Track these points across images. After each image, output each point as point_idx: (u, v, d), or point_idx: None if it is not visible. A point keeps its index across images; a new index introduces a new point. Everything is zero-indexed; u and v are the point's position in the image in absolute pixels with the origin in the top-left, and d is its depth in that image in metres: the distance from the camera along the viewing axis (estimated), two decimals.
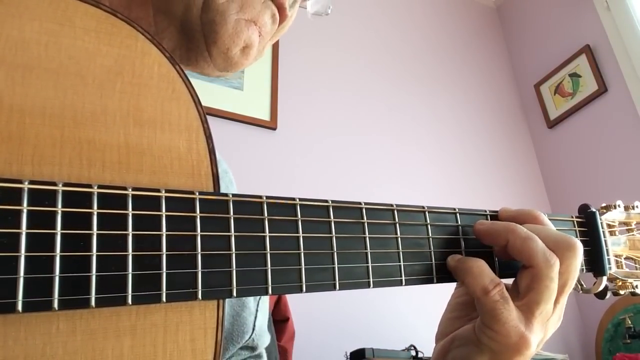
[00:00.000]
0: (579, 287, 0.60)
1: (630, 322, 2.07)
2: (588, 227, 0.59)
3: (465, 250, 0.50)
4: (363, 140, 2.38)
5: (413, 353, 1.77)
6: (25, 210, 0.30)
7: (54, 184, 0.31)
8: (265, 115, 2.15)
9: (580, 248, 0.48)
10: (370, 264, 0.43)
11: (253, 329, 0.59)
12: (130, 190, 0.33)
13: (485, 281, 0.45)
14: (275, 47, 2.31)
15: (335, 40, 2.55)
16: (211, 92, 2.07)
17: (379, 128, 2.46)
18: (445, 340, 0.53)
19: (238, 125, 2.08)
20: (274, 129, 2.16)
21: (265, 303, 0.63)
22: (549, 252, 0.46)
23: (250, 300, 0.59)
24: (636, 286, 0.60)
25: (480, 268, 0.46)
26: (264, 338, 0.62)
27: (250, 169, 2.02)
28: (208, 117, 0.38)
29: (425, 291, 2.11)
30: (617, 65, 2.53)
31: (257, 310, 0.60)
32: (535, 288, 0.46)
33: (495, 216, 0.54)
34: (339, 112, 2.38)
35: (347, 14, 2.65)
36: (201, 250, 0.35)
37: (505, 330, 0.45)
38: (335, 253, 0.41)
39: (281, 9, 0.53)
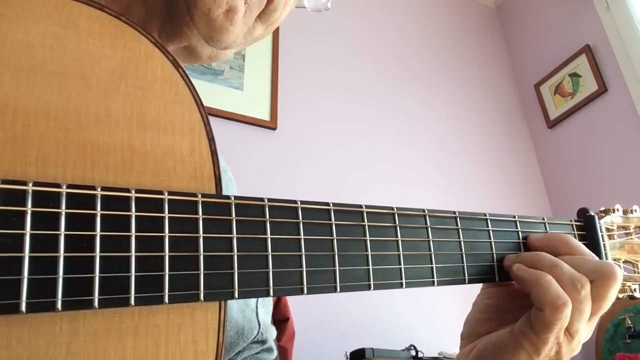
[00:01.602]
0: None
1: (630, 322, 2.07)
2: (587, 231, 0.60)
3: (465, 254, 0.50)
4: (363, 140, 2.38)
5: (413, 353, 1.77)
6: (29, 212, 0.30)
7: (58, 185, 0.31)
8: (265, 115, 2.16)
9: (617, 276, 0.50)
10: (370, 267, 0.44)
11: (259, 324, 0.60)
12: (133, 192, 0.33)
13: (555, 296, 0.46)
14: (275, 47, 2.31)
15: (336, 40, 2.55)
16: (211, 92, 2.07)
17: (379, 128, 2.46)
18: (479, 348, 0.53)
19: (238, 125, 2.08)
20: (274, 129, 2.16)
21: (263, 300, 0.63)
22: (577, 277, 0.48)
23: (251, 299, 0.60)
24: (634, 289, 0.60)
25: (550, 281, 0.47)
26: (270, 331, 0.63)
27: (250, 169, 2.02)
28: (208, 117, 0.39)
29: (425, 291, 2.11)
30: (617, 65, 2.53)
31: (256, 307, 0.61)
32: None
33: (496, 221, 0.54)
34: (339, 111, 2.38)
35: (347, 14, 2.65)
36: (203, 252, 0.35)
37: (549, 339, 0.48)
38: (336, 255, 0.42)
39: None
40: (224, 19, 0.50)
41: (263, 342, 0.62)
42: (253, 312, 0.60)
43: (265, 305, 0.63)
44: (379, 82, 2.59)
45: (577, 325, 0.49)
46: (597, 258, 0.51)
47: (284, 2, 0.56)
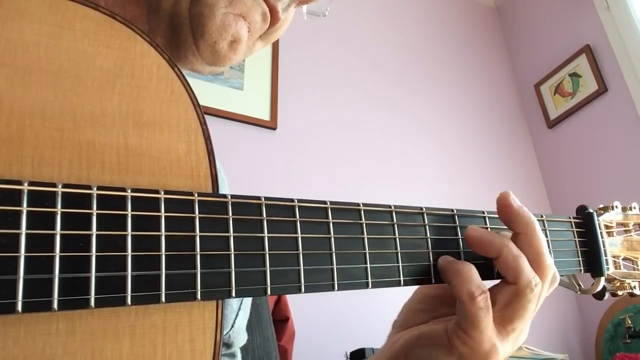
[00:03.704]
0: (577, 287, 0.60)
1: (630, 322, 2.07)
2: (586, 228, 0.60)
3: (464, 251, 0.50)
4: (363, 140, 2.38)
5: None
6: (25, 211, 0.30)
7: (54, 185, 0.31)
8: (265, 115, 2.16)
9: (558, 277, 0.51)
10: (368, 265, 0.44)
11: (232, 326, 0.59)
12: (129, 191, 0.33)
13: (473, 286, 0.45)
14: (275, 47, 2.31)
15: (336, 40, 2.55)
16: (211, 92, 2.07)
17: (379, 128, 2.46)
18: (411, 335, 0.52)
19: (238, 125, 2.08)
20: (274, 129, 2.16)
21: (247, 303, 0.62)
22: (534, 274, 0.47)
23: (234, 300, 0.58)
24: (634, 287, 0.60)
25: (470, 272, 0.46)
26: (240, 337, 0.61)
27: (250, 169, 2.02)
28: (208, 117, 0.39)
29: None
30: (617, 65, 2.53)
31: (239, 309, 0.60)
32: (514, 307, 0.47)
33: (493, 218, 0.53)
34: (339, 111, 2.38)
35: (347, 14, 2.65)
36: (200, 251, 0.35)
37: (480, 337, 0.45)
38: (334, 254, 0.42)
39: (273, 11, 0.53)
40: (229, 50, 0.52)
41: (228, 345, 0.61)
42: (233, 313, 0.59)
43: (246, 310, 0.61)
44: (379, 82, 2.59)
45: (517, 323, 0.47)
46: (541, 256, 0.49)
47: (285, 19, 0.56)
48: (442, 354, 0.48)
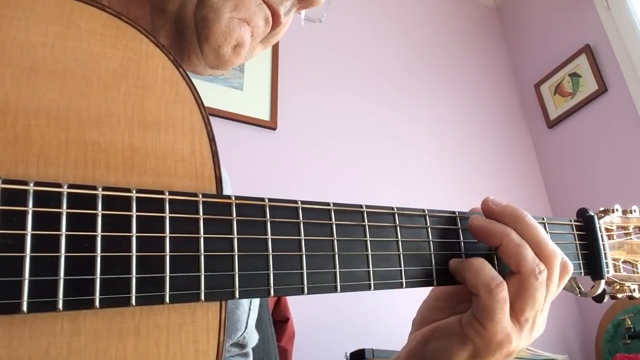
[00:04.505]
0: (577, 290, 0.60)
1: (630, 323, 2.08)
2: (586, 231, 0.60)
3: (465, 253, 0.50)
4: (363, 141, 2.38)
5: None
6: (30, 212, 0.30)
7: (59, 185, 0.31)
8: (265, 115, 2.15)
9: (570, 265, 0.51)
10: (371, 267, 0.44)
11: (246, 326, 0.59)
12: (134, 192, 0.33)
13: (488, 278, 0.46)
14: (275, 47, 2.31)
15: (335, 41, 2.55)
16: (211, 92, 2.07)
17: (379, 128, 2.46)
18: (426, 330, 0.53)
19: (238, 125, 2.08)
20: (274, 129, 2.16)
21: (256, 303, 0.63)
22: (538, 261, 0.48)
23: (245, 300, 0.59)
24: (633, 290, 0.60)
25: (482, 265, 0.47)
26: (253, 337, 0.62)
27: (250, 169, 2.02)
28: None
29: (426, 292, 2.11)
30: (617, 65, 2.53)
31: (249, 309, 0.60)
32: (522, 296, 0.47)
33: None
34: (339, 112, 2.38)
35: (347, 14, 2.65)
36: (204, 252, 0.35)
37: (495, 328, 0.46)
38: (337, 255, 0.42)
39: (275, 15, 0.54)
40: (232, 54, 0.53)
41: (242, 346, 0.61)
42: (245, 314, 0.59)
43: (255, 310, 0.62)
44: (379, 82, 2.59)
45: (528, 313, 0.48)
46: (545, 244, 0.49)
47: (284, 23, 0.57)
48: (456, 345, 0.48)
